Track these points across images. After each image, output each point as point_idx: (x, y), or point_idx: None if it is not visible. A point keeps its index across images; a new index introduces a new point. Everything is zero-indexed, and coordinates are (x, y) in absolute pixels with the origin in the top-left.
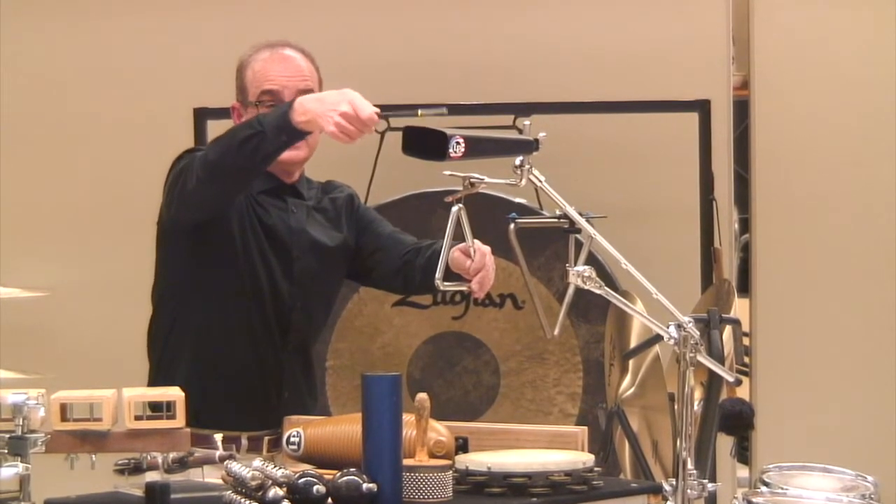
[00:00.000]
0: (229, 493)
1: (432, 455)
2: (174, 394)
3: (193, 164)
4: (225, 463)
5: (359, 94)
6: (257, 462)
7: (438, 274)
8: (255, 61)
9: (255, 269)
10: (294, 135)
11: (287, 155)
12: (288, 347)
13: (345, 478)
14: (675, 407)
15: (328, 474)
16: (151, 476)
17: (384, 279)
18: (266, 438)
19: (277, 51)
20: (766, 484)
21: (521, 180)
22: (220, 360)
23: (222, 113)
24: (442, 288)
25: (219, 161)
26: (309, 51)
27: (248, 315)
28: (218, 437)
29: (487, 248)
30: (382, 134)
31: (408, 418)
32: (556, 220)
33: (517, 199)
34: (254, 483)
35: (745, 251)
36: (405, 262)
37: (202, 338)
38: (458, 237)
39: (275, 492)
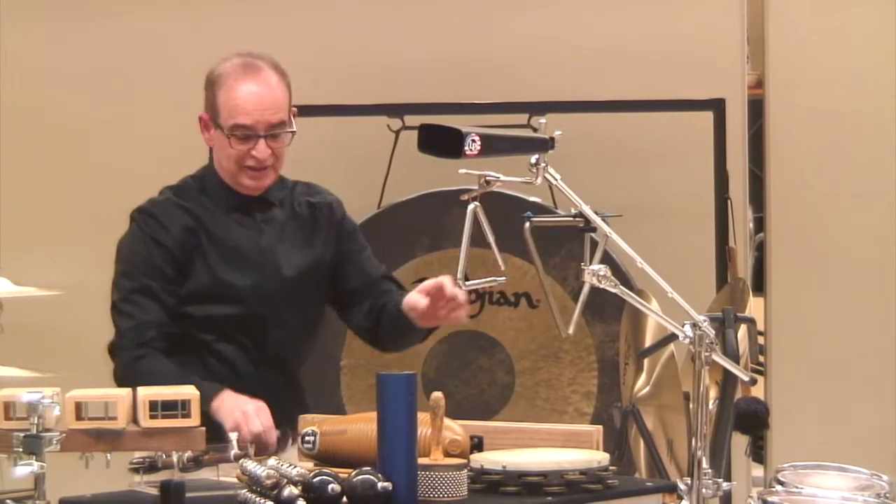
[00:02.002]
0: (244, 492)
1: (447, 454)
2: (189, 392)
3: (122, 358)
4: (240, 461)
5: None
6: (272, 461)
7: (459, 275)
8: (226, 85)
9: (228, 296)
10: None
11: (251, 185)
12: (270, 366)
13: (360, 477)
14: (690, 406)
15: (343, 473)
16: (166, 475)
17: (356, 327)
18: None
19: (249, 76)
20: (781, 483)
21: (536, 179)
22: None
23: None
24: (464, 288)
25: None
26: (280, 66)
27: (226, 338)
28: (233, 435)
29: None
30: (397, 132)
31: (423, 417)
32: (571, 218)
33: (532, 198)
34: (269, 482)
35: (760, 250)
36: (371, 320)
37: (184, 360)
38: (477, 235)
39: (290, 490)
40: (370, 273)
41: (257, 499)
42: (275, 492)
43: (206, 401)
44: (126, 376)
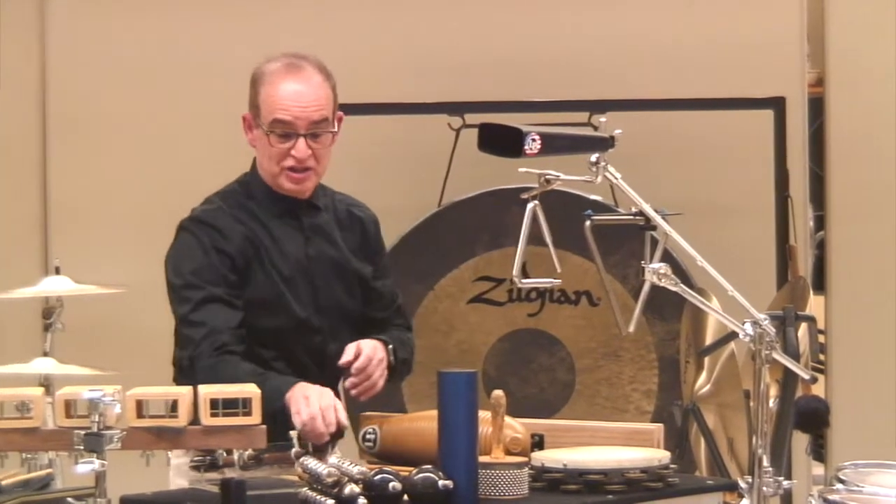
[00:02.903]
0: (305, 490)
1: (508, 452)
2: (250, 391)
3: (194, 357)
4: (300, 459)
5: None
6: (333, 459)
7: (515, 272)
8: (269, 82)
9: (284, 306)
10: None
11: (292, 187)
12: (326, 377)
13: (421, 475)
14: (751, 404)
15: (404, 471)
16: (227, 473)
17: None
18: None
19: (291, 74)
20: (841, 481)
21: (596, 177)
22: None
23: None
24: (520, 285)
25: None
26: (326, 68)
27: (286, 355)
28: (293, 433)
29: (371, 346)
30: (458, 131)
31: (483, 415)
32: (631, 217)
33: (592, 196)
34: (329, 480)
35: (821, 248)
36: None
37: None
38: (535, 234)
39: (351, 488)
40: (380, 304)
41: (318, 497)
42: (336, 490)
43: (280, 395)
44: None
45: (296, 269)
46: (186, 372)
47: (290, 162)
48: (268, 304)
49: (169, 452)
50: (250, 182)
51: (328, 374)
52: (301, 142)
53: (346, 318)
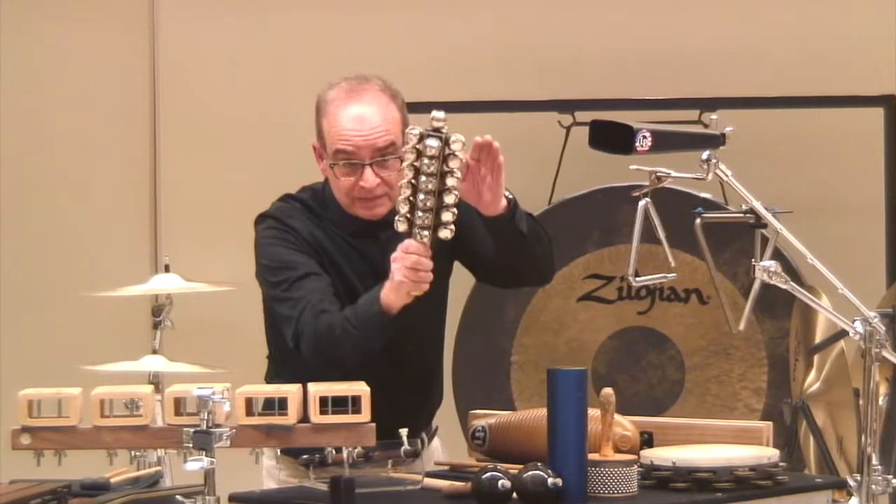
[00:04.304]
0: None
1: (617, 450)
2: (360, 389)
3: (301, 333)
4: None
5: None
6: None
7: (630, 271)
8: (330, 112)
9: None
10: (393, 324)
11: (366, 214)
12: (406, 390)
13: (530, 472)
14: (860, 402)
15: (513, 469)
16: (336, 470)
17: (486, 275)
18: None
19: (352, 99)
20: None
21: (707, 175)
22: None
23: None
24: (635, 284)
25: (329, 356)
26: (392, 87)
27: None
28: (403, 431)
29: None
30: (568, 128)
31: (593, 413)
32: (742, 214)
33: (703, 194)
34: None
35: None
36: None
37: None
38: (647, 232)
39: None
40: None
41: None
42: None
43: (375, 300)
44: (318, 347)
45: (370, 287)
46: (294, 351)
47: (359, 193)
48: None
49: (263, 454)
50: (325, 198)
51: (407, 388)
52: (368, 171)
53: (428, 325)
